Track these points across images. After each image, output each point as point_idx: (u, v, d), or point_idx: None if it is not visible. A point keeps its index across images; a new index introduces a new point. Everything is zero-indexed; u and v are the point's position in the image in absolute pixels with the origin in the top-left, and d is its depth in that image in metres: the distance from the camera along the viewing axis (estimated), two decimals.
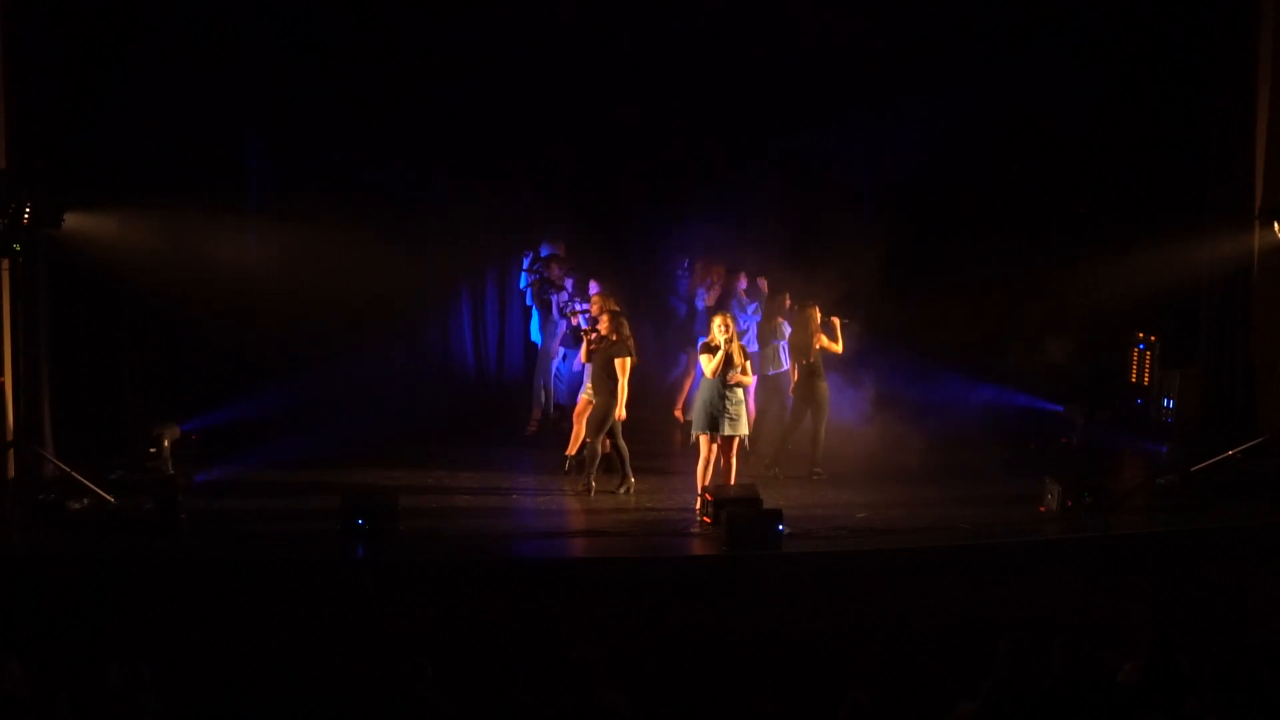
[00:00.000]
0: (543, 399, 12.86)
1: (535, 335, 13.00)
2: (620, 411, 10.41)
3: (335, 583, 8.73)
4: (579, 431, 11.18)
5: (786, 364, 12.10)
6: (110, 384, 12.23)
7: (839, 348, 11.45)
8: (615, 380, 10.37)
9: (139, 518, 9.60)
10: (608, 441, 10.59)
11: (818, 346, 11.36)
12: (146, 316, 12.45)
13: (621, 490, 10.61)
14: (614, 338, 10.41)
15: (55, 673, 6.93)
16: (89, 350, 12.00)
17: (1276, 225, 11.18)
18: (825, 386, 11.45)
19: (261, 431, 12.36)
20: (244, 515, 10.00)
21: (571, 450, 11.22)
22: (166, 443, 11.12)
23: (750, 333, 12.40)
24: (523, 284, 13.17)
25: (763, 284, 12.49)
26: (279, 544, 9.24)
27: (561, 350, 12.65)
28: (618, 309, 10.68)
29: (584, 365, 10.98)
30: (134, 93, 12.09)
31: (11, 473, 10.43)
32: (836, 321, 11.45)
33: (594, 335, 10.52)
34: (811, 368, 11.39)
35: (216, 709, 7.56)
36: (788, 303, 12.13)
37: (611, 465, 10.75)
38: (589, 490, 10.58)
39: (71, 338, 11.73)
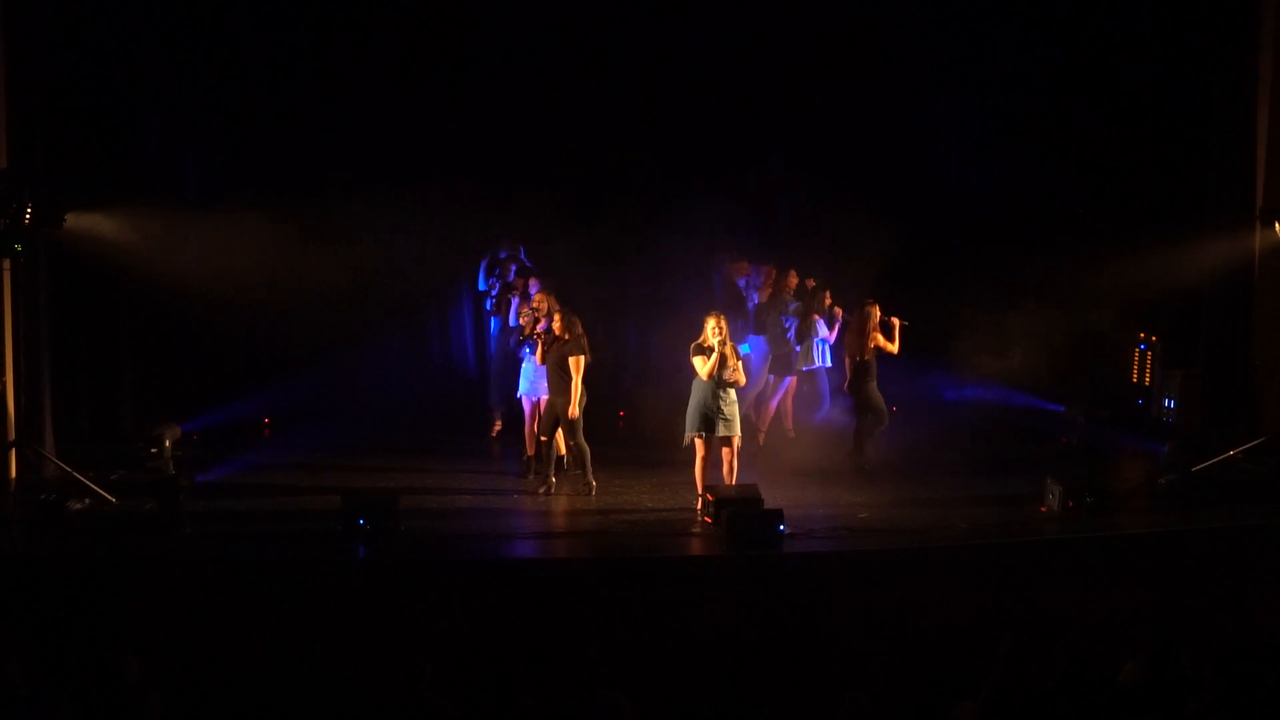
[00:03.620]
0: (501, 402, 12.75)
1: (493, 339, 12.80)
2: (574, 410, 10.38)
3: (335, 583, 8.72)
4: (533, 433, 11.18)
5: (819, 362, 12.12)
6: (110, 384, 12.27)
7: (894, 348, 11.44)
8: (570, 379, 10.37)
9: (140, 518, 9.61)
10: (558, 439, 10.61)
11: (872, 345, 11.35)
12: (146, 316, 12.49)
13: (541, 491, 10.60)
14: (566, 336, 10.40)
15: (55, 673, 6.93)
16: (89, 350, 12.04)
17: (1277, 225, 11.18)
18: (873, 386, 11.41)
19: (261, 431, 12.36)
20: (244, 515, 10.00)
21: (530, 451, 11.23)
22: (167, 443, 11.13)
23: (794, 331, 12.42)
24: (481, 287, 13.02)
25: (810, 284, 12.39)
26: (279, 544, 9.24)
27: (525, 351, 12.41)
28: (565, 307, 10.65)
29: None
30: (134, 92, 12.12)
31: (12, 473, 10.43)
32: (896, 322, 11.41)
33: (548, 335, 10.46)
34: (864, 366, 11.40)
35: (217, 709, 7.56)
36: (827, 301, 12.08)
37: (548, 462, 10.75)
38: (589, 490, 10.58)
39: (72, 338, 11.76)
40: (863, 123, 14.06)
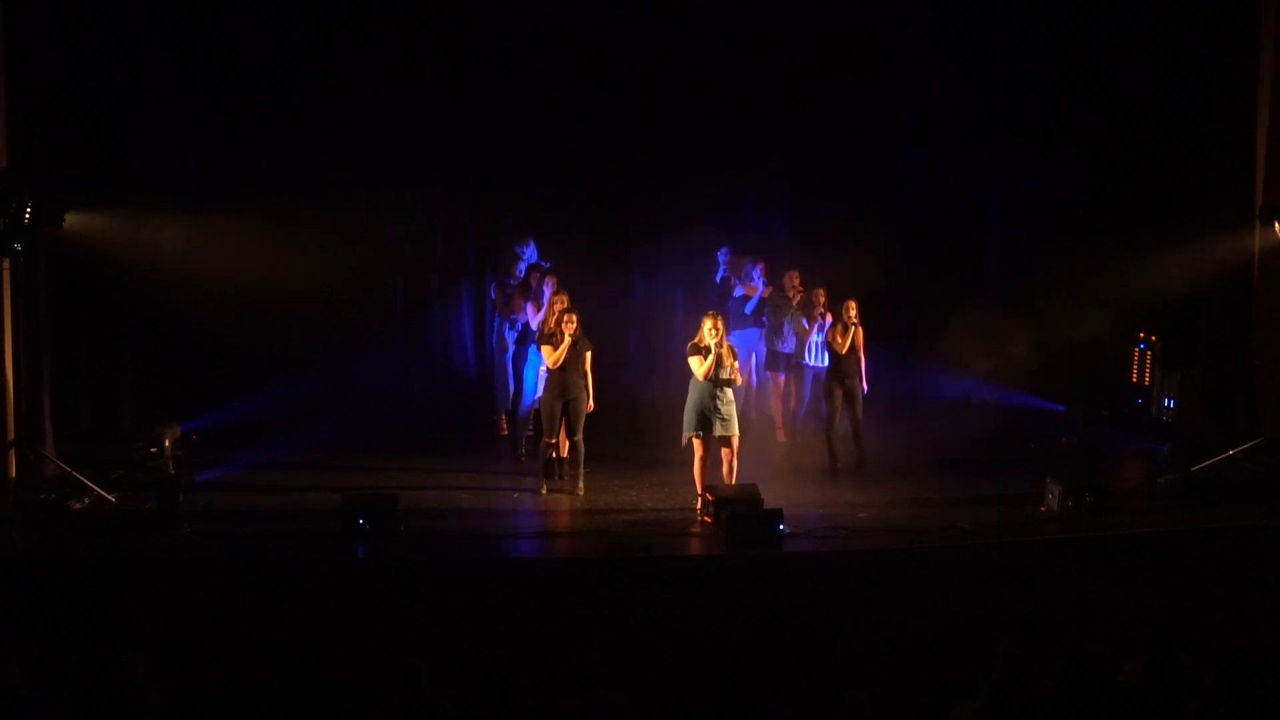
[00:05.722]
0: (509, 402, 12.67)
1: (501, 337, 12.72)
2: (590, 403, 10.49)
3: (335, 583, 8.73)
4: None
5: (816, 360, 12.13)
6: (110, 384, 12.27)
7: (841, 346, 11.30)
8: (587, 376, 10.43)
9: (140, 518, 9.60)
10: (556, 441, 10.58)
11: (832, 340, 11.30)
12: (146, 316, 12.49)
13: (544, 492, 10.59)
14: (578, 333, 10.41)
15: (55, 673, 6.93)
16: (89, 350, 12.05)
17: (1276, 225, 11.19)
18: (835, 383, 11.35)
19: (261, 431, 12.37)
20: (244, 515, 9.99)
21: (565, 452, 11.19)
22: (167, 443, 11.13)
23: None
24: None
25: (820, 294, 12.24)
26: (279, 544, 9.23)
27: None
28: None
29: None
30: (134, 92, 12.12)
31: (12, 473, 10.43)
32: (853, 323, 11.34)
33: (573, 334, 10.39)
34: (832, 360, 11.38)
35: (217, 708, 7.57)
36: (822, 299, 12.03)
37: (551, 467, 10.73)
38: (578, 490, 10.58)
39: (72, 338, 11.76)
40: (863, 123, 14.06)
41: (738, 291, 12.66)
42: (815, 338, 12.07)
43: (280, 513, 10.03)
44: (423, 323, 14.29)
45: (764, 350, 12.59)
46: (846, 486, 10.98)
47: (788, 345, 12.35)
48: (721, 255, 13.09)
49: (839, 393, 11.36)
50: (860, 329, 11.32)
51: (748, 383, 12.41)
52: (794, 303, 12.30)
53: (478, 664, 7.58)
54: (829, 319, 11.83)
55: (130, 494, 10.19)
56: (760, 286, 12.59)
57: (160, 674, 6.76)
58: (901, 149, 14.53)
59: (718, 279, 13.03)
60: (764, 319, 12.54)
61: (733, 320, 12.32)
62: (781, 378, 12.53)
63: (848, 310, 11.25)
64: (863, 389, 11.47)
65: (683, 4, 13.18)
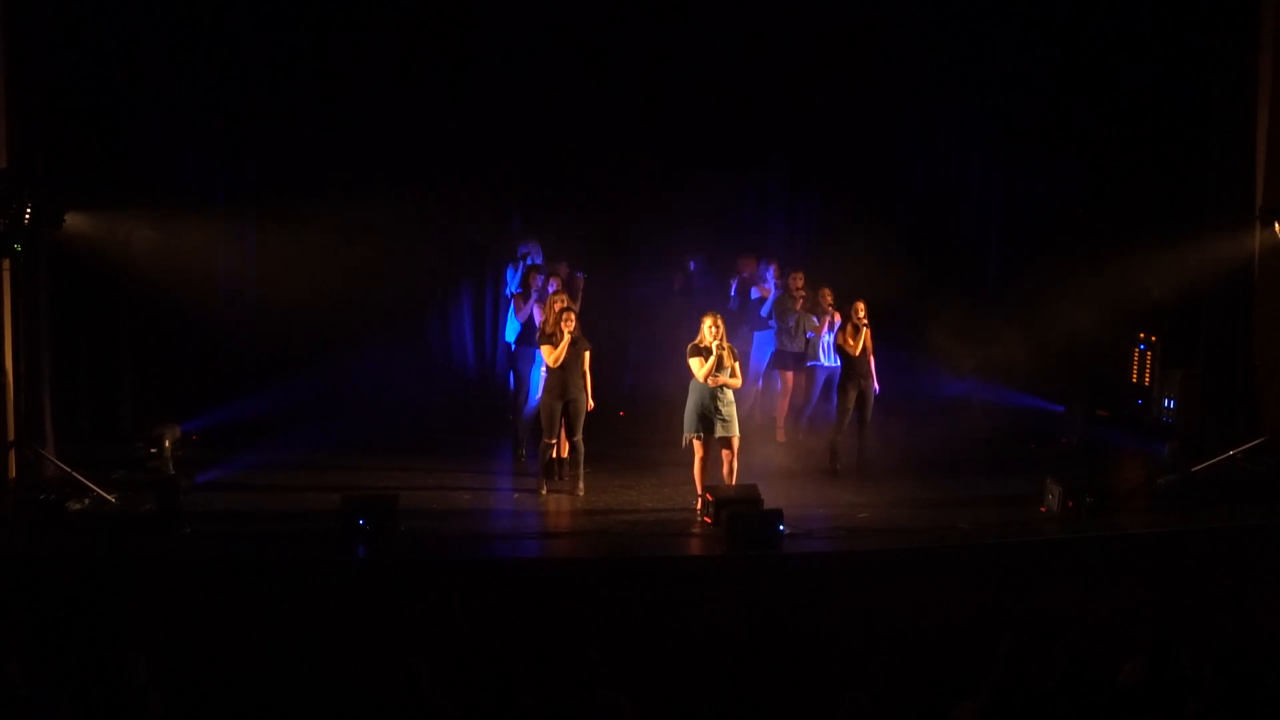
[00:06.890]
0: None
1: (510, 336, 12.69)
2: (590, 402, 10.49)
3: (335, 583, 8.73)
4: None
5: (827, 360, 12.12)
6: (110, 384, 12.27)
7: (853, 349, 11.30)
8: (586, 375, 10.44)
9: (139, 518, 9.61)
10: (556, 441, 10.59)
11: (842, 343, 11.31)
12: (146, 316, 12.49)
13: (544, 492, 10.58)
14: (577, 333, 10.43)
15: (55, 673, 6.93)
16: (89, 350, 12.05)
17: (1276, 225, 11.19)
18: (844, 385, 11.36)
19: (261, 431, 12.37)
20: (244, 515, 9.99)
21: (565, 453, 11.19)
22: (167, 443, 11.12)
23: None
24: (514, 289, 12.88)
25: (826, 294, 12.21)
26: (279, 544, 9.24)
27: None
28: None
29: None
30: (134, 92, 12.12)
31: (12, 473, 10.43)
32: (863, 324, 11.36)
33: (573, 333, 10.38)
34: (845, 362, 11.38)
35: (217, 708, 7.56)
36: (828, 299, 12.02)
37: (551, 467, 10.72)
38: (578, 490, 10.57)
39: (72, 338, 11.76)
40: (863, 123, 14.07)
41: (754, 294, 12.67)
42: (826, 337, 12.07)
43: (280, 513, 10.03)
44: (423, 323, 14.29)
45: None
46: (846, 486, 10.98)
47: (797, 344, 12.35)
48: (692, 265, 13.13)
49: (853, 394, 11.32)
50: (869, 329, 11.31)
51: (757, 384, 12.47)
52: (798, 305, 12.29)
53: (478, 664, 7.58)
54: (837, 318, 11.81)
55: (130, 494, 10.19)
56: (773, 288, 12.61)
57: (160, 674, 6.75)
58: (901, 149, 14.54)
59: (676, 288, 13.03)
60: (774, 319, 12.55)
61: (753, 323, 12.35)
62: (790, 376, 12.52)
63: (856, 311, 11.21)
64: (875, 389, 11.45)
65: (683, 4, 13.18)
